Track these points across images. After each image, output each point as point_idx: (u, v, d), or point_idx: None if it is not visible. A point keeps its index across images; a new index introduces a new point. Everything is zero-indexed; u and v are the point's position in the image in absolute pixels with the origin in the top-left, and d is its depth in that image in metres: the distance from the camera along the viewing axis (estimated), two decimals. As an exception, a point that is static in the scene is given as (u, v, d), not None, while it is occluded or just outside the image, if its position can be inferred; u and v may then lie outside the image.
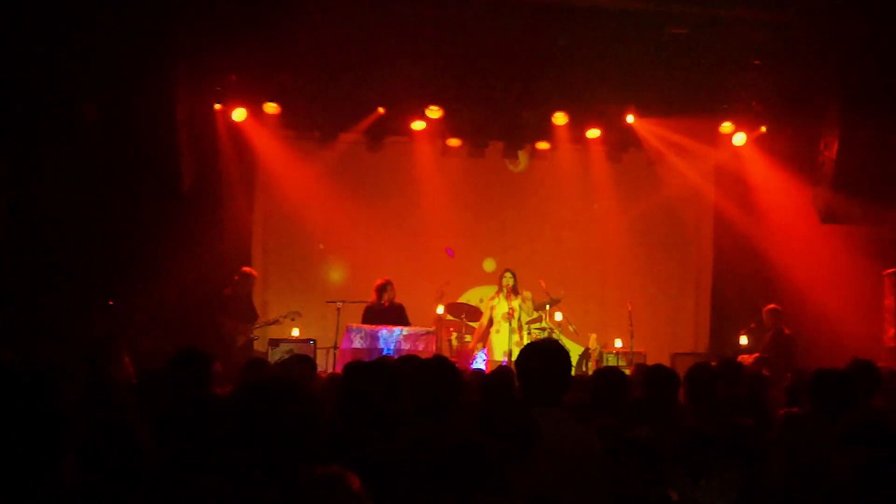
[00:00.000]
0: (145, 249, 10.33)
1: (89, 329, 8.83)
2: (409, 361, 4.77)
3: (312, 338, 10.60)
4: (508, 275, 10.65)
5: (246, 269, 10.76)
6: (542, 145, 11.91)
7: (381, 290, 10.54)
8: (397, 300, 10.62)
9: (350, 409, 3.23)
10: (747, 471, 2.91)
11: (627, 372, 6.38)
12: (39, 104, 8.46)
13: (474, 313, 11.25)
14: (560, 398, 3.71)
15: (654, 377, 5.08)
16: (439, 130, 11.50)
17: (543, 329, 10.85)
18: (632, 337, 10.92)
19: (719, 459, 2.81)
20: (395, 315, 10.43)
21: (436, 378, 3.64)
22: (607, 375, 4.86)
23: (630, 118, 11.18)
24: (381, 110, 11.04)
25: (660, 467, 3.08)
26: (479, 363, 10.32)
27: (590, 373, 9.78)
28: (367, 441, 3.17)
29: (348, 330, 10.09)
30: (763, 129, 11.27)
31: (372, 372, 3.31)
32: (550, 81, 10.44)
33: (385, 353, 9.59)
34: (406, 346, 9.81)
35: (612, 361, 10.57)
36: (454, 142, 11.86)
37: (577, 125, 11.29)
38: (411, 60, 9.93)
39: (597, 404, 4.58)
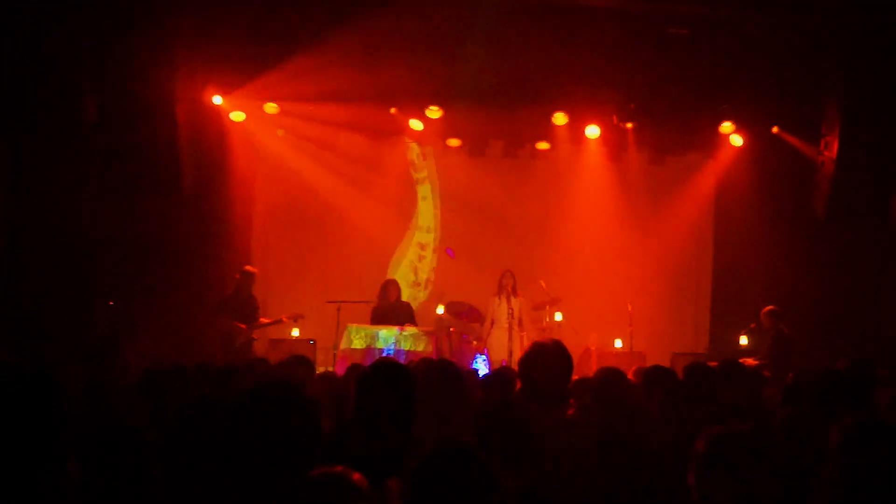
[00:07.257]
0: (145, 250, 10.33)
1: (89, 329, 8.83)
2: (418, 364, 4.76)
3: (312, 338, 10.59)
4: (508, 275, 10.65)
5: (247, 267, 10.74)
6: (542, 145, 11.90)
7: (384, 289, 10.58)
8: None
9: (362, 412, 3.23)
10: (777, 470, 2.90)
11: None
12: (40, 104, 8.47)
13: (474, 313, 11.25)
14: (561, 398, 3.73)
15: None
16: (439, 130, 11.49)
17: (543, 329, 10.85)
18: (632, 337, 10.91)
19: (750, 458, 2.80)
20: (402, 313, 10.43)
21: (436, 380, 3.65)
22: (608, 376, 4.84)
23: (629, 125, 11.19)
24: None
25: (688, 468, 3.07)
26: (479, 364, 10.32)
27: (590, 374, 9.76)
28: (369, 442, 3.18)
29: (348, 330, 10.09)
30: (763, 128, 11.27)
31: (386, 376, 3.31)
32: (550, 81, 10.43)
33: (385, 353, 9.59)
34: (406, 346, 9.80)
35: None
36: (454, 142, 11.85)
37: (577, 125, 11.28)
38: (411, 60, 9.92)
39: (600, 405, 4.57)
